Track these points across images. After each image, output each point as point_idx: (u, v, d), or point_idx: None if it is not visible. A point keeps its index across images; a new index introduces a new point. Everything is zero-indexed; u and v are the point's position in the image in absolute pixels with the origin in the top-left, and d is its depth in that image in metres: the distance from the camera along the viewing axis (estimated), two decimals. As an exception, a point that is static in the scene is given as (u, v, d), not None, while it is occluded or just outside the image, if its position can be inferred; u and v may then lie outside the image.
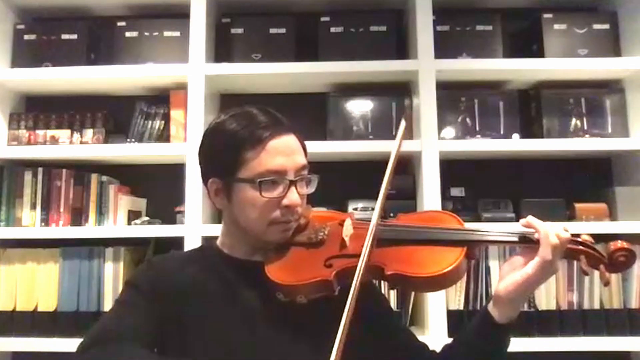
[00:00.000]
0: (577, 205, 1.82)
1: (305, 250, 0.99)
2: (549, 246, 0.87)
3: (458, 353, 0.99)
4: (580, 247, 0.92)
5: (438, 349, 1.05)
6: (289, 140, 0.97)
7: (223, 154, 0.97)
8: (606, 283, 0.91)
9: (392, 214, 1.74)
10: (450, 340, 1.04)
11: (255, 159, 0.94)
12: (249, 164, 0.94)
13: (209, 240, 1.12)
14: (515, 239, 0.93)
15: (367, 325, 0.97)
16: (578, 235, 0.92)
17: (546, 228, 0.89)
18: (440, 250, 0.91)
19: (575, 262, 1.70)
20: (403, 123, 1.05)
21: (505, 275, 0.93)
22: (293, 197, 0.96)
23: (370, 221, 0.95)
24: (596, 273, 0.92)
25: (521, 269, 0.90)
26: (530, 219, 0.92)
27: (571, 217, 1.82)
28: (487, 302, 0.97)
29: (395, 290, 1.77)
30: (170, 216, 1.89)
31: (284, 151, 0.95)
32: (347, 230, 0.99)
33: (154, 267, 1.05)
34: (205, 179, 1.02)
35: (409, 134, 1.91)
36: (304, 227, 1.02)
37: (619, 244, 0.90)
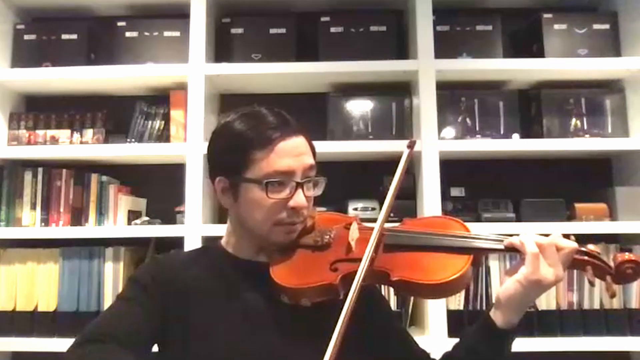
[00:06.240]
0: (577, 205, 1.82)
1: (310, 252, 0.98)
2: (532, 241, 0.88)
3: (459, 358, 0.98)
4: (586, 257, 0.90)
5: (438, 350, 1.05)
6: (297, 142, 0.97)
7: (231, 154, 0.97)
8: (612, 295, 0.90)
9: (392, 214, 1.75)
10: (450, 341, 1.03)
11: (264, 159, 0.94)
12: (257, 164, 0.94)
13: (213, 240, 1.12)
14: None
15: (366, 329, 0.97)
16: (584, 246, 0.92)
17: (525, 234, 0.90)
18: (446, 257, 0.91)
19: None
20: (406, 151, 1.04)
21: (506, 280, 0.93)
22: (299, 199, 0.95)
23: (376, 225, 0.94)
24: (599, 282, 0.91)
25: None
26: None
27: (571, 217, 1.82)
28: (488, 303, 0.97)
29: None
30: (170, 216, 1.89)
31: (292, 152, 0.95)
32: (354, 234, 0.98)
33: (159, 264, 1.05)
34: (212, 177, 1.02)
35: (409, 134, 1.91)
36: (309, 229, 1.02)
37: (627, 255, 0.89)
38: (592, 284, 0.91)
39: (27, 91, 2.09)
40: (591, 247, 0.92)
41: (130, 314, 0.94)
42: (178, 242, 1.74)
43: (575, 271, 1.75)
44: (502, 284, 0.93)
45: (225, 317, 0.95)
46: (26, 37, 2.00)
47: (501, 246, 0.92)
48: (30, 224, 1.87)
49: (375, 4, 2.06)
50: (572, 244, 0.89)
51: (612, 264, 0.90)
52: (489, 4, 2.10)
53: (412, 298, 1.79)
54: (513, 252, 0.92)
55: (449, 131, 1.91)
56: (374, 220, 0.98)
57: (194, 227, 1.75)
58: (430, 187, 1.76)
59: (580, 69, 1.88)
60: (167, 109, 1.95)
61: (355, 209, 1.83)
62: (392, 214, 1.72)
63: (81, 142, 1.95)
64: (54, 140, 1.95)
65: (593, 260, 0.90)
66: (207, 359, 0.92)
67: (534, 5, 2.08)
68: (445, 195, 1.81)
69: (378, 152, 1.82)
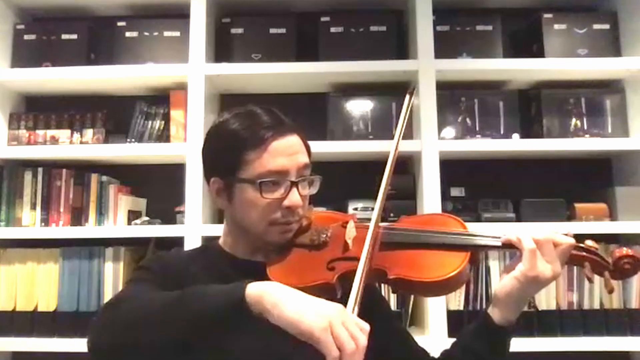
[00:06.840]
0: (577, 205, 1.82)
1: (307, 252, 0.98)
2: (529, 237, 0.88)
3: (457, 356, 0.98)
4: (584, 253, 0.91)
5: (438, 350, 1.05)
6: (291, 141, 0.96)
7: (225, 154, 0.97)
8: (610, 290, 0.90)
9: (392, 214, 1.75)
10: (450, 341, 1.03)
11: (257, 159, 0.93)
12: (251, 164, 0.94)
13: (211, 240, 1.12)
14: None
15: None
16: (582, 242, 0.91)
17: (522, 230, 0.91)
18: (443, 255, 0.91)
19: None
20: (408, 97, 1.03)
21: (503, 278, 0.93)
22: (294, 198, 0.95)
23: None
24: (597, 278, 0.91)
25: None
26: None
27: (571, 217, 1.82)
28: (487, 303, 0.97)
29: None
30: (170, 216, 1.89)
31: (286, 151, 0.95)
32: (350, 232, 0.97)
33: (162, 258, 1.05)
34: (207, 178, 1.02)
35: (409, 134, 1.91)
36: (306, 228, 1.01)
37: (624, 250, 0.89)
38: (590, 280, 0.91)
39: (27, 91, 2.09)
40: (589, 242, 0.92)
41: (145, 288, 0.93)
42: (178, 242, 1.74)
43: (575, 272, 1.76)
44: (500, 281, 0.93)
45: None
46: (26, 37, 2.00)
47: (498, 243, 0.92)
48: (30, 224, 1.87)
49: (375, 4, 2.06)
50: (570, 240, 0.89)
51: (610, 259, 0.90)
52: (489, 4, 2.10)
53: (412, 298, 1.79)
54: (510, 249, 0.92)
55: (449, 131, 1.91)
56: (374, 219, 0.97)
57: (194, 227, 1.75)
58: (430, 187, 1.76)
59: (580, 69, 1.88)
60: (167, 109, 1.95)
61: (355, 209, 1.83)
62: (391, 214, 1.73)
63: (81, 142, 1.95)
64: (54, 140, 1.95)
65: (591, 255, 0.90)
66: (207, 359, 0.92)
67: (534, 5, 2.08)
68: (445, 195, 1.81)
69: (378, 152, 1.82)
